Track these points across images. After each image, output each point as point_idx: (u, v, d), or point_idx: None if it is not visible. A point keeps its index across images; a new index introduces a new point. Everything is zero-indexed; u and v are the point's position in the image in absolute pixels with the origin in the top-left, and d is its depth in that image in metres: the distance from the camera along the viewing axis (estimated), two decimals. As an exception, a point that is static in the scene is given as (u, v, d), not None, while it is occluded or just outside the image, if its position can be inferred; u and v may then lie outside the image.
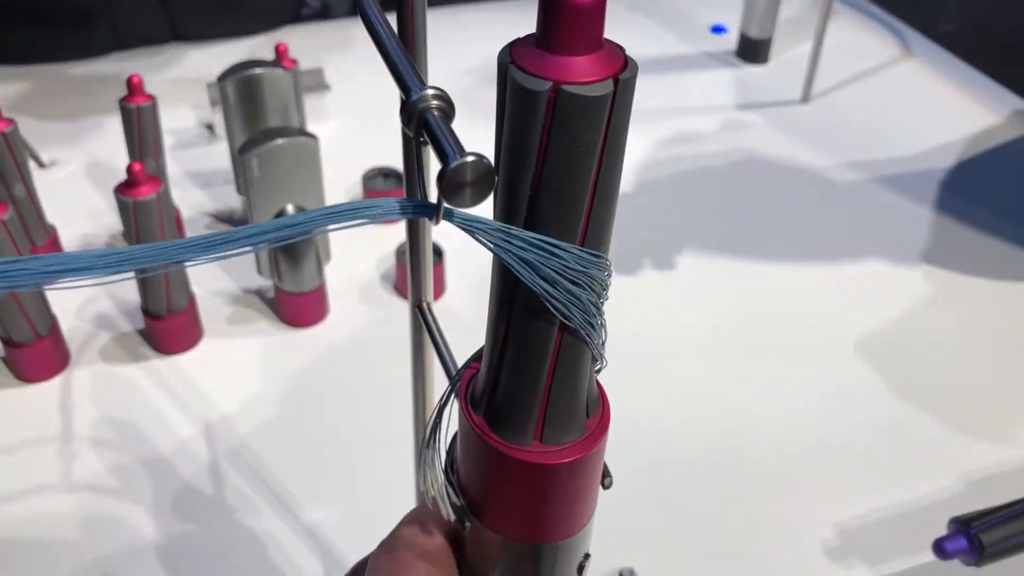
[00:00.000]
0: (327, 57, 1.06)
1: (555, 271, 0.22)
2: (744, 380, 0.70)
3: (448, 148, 0.20)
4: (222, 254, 0.20)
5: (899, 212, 0.89)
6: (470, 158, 0.20)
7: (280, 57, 0.81)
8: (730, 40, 1.18)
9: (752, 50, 1.13)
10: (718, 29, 1.21)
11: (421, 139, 0.21)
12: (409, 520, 0.32)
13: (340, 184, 0.88)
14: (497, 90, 0.22)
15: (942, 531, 0.54)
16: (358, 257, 0.80)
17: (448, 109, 0.21)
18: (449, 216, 0.22)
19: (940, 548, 0.53)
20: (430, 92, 0.21)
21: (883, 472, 0.63)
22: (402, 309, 0.75)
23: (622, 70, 0.21)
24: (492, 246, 0.22)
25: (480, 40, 1.16)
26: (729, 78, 1.11)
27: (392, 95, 1.06)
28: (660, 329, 0.74)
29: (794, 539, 0.59)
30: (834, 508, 0.60)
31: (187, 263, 0.20)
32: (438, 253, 0.75)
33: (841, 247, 0.84)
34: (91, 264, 0.19)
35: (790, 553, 0.58)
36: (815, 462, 0.64)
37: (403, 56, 0.23)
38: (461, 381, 0.29)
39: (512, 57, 0.22)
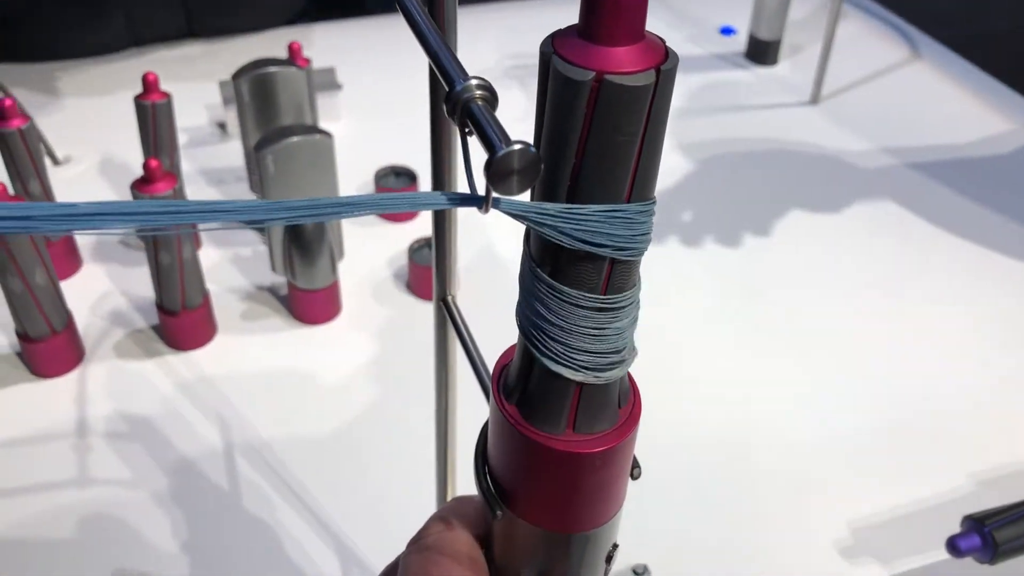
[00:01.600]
0: (338, 56, 1.06)
1: (601, 241, 0.23)
2: (756, 378, 0.70)
3: (494, 137, 0.20)
4: (271, 219, 0.20)
5: (907, 213, 0.89)
6: (517, 146, 0.20)
7: (294, 56, 0.82)
8: (739, 41, 1.18)
9: (761, 51, 1.14)
10: (727, 31, 1.22)
11: (466, 129, 0.22)
12: (436, 518, 0.32)
13: (352, 182, 0.89)
14: (538, 80, 0.23)
15: (955, 529, 0.54)
16: (370, 255, 0.80)
17: (492, 98, 0.22)
18: (496, 204, 0.22)
19: (953, 546, 0.53)
20: (474, 82, 0.22)
21: (896, 470, 0.63)
22: (415, 307, 0.75)
23: (663, 61, 0.22)
24: (540, 227, 0.23)
25: (495, 40, 1.16)
26: (738, 79, 1.12)
27: (403, 94, 1.07)
28: (671, 328, 0.74)
29: (807, 537, 0.59)
30: (847, 506, 0.61)
31: (229, 222, 0.20)
32: None
33: (849, 246, 0.84)
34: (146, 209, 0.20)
35: (803, 551, 0.58)
36: (828, 461, 0.64)
37: (444, 47, 0.24)
38: (493, 371, 0.29)
39: (555, 47, 0.22)
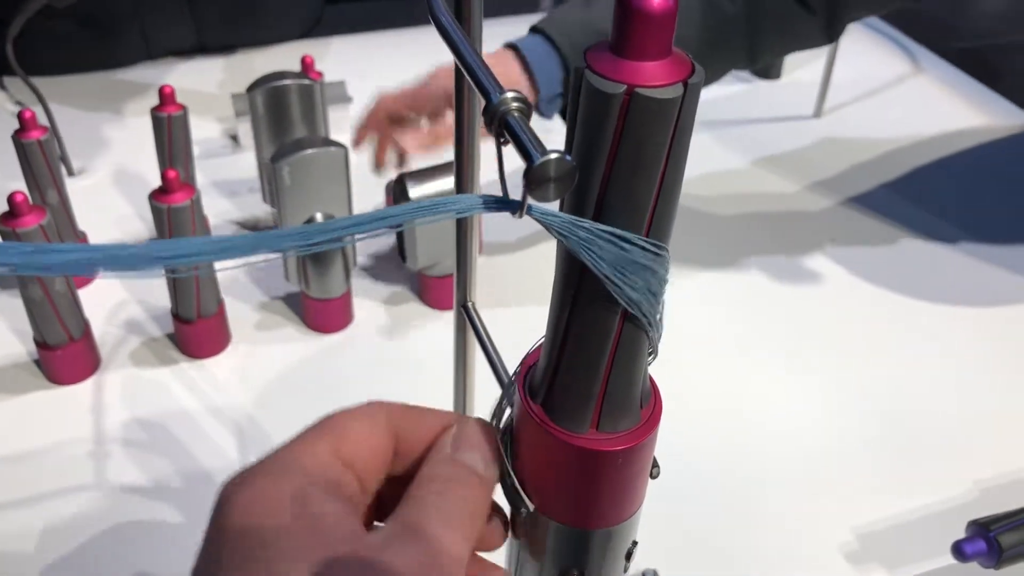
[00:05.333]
0: (348, 69, 1.08)
1: (624, 263, 0.24)
2: (763, 386, 0.71)
3: (530, 147, 0.22)
4: (315, 242, 0.22)
5: (912, 225, 0.90)
6: (553, 155, 0.21)
7: (306, 69, 0.83)
8: (742, 56, 1.20)
9: (764, 65, 1.15)
10: (730, 45, 1.23)
11: (502, 139, 0.23)
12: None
13: (364, 194, 0.90)
14: (571, 93, 0.24)
15: (960, 534, 0.55)
16: (381, 264, 0.81)
17: (527, 110, 0.23)
18: (529, 210, 0.23)
19: (959, 550, 0.54)
20: (510, 95, 0.23)
21: (901, 476, 0.64)
22: (426, 315, 0.76)
23: (690, 75, 0.23)
24: (566, 239, 0.24)
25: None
26: (742, 93, 1.13)
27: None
28: (679, 335, 0.75)
29: (813, 542, 0.60)
30: (852, 512, 0.62)
31: (287, 251, 0.21)
32: None
33: (853, 257, 0.85)
34: (201, 250, 0.21)
35: (809, 556, 0.59)
36: (833, 466, 0.65)
37: (479, 62, 0.25)
38: (519, 371, 0.30)
39: (588, 62, 0.23)
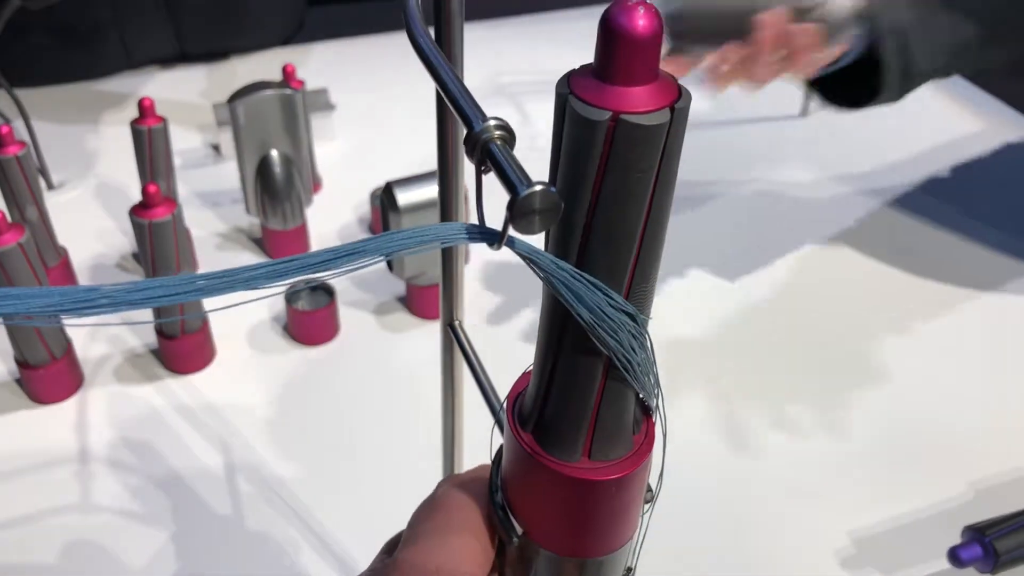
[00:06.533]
0: (330, 76, 1.07)
1: (599, 306, 0.23)
2: (756, 391, 0.71)
3: (514, 178, 0.21)
4: (293, 279, 0.21)
5: (900, 225, 0.90)
6: (538, 187, 0.21)
7: (288, 78, 0.82)
8: (727, 55, 1.19)
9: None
10: (715, 44, 1.22)
11: (483, 168, 0.22)
12: (443, 481, 0.33)
13: (348, 202, 0.89)
14: (554, 120, 0.23)
15: (956, 539, 0.54)
16: (367, 273, 0.81)
17: (510, 138, 0.22)
18: (510, 243, 0.22)
19: (955, 556, 0.54)
20: (492, 123, 0.22)
21: (896, 481, 0.64)
22: (414, 325, 0.76)
23: (677, 99, 0.22)
24: (546, 276, 0.23)
25: (481, 57, 1.17)
26: (728, 94, 1.12)
27: (395, 112, 1.06)
28: (670, 342, 0.75)
29: (808, 549, 0.59)
30: (848, 517, 0.61)
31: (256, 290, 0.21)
32: (329, 293, 0.75)
33: (843, 258, 0.85)
34: (169, 291, 0.20)
35: (805, 562, 0.59)
36: (828, 472, 0.65)
37: (461, 88, 0.24)
38: (507, 399, 0.30)
39: (571, 88, 0.22)
